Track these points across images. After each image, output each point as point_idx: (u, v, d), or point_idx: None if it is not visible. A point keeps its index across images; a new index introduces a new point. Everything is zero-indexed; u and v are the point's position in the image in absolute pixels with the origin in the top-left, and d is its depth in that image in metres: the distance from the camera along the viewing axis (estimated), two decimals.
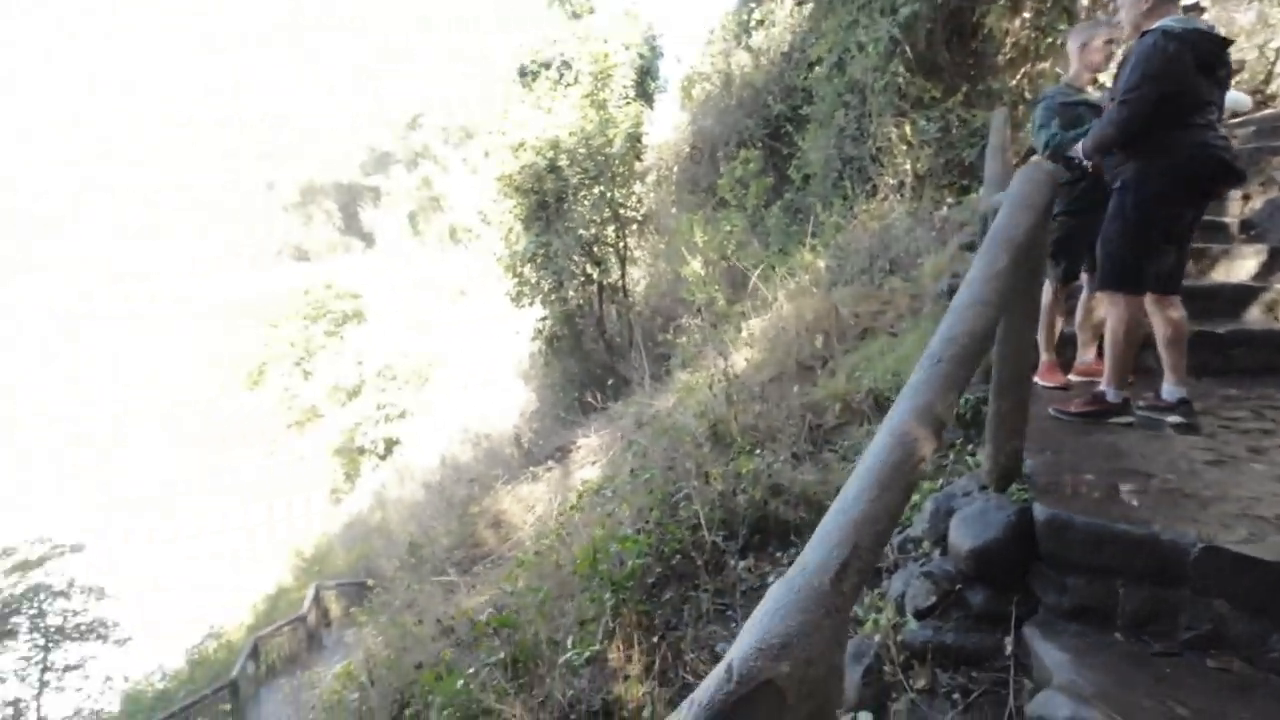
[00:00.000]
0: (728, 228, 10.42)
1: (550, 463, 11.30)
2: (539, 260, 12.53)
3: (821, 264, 8.79)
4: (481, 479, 13.67)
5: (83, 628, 18.44)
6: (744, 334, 7.56)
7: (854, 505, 1.15)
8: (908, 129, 9.07)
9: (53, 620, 18.05)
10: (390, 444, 28.33)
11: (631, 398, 10.72)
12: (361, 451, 30.45)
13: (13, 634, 17.66)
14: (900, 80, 8.92)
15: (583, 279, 13.30)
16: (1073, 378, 3.86)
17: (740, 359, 6.73)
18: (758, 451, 4.18)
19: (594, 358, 13.30)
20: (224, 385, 44.71)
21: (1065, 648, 1.85)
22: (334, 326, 34.33)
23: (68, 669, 18.05)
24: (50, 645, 17.89)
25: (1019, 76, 9.32)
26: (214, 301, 55.68)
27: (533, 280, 12.70)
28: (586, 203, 13.04)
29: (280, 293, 42.49)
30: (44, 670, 17.64)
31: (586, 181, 12.78)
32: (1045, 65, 9.13)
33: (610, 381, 11.76)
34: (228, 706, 10.95)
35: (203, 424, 49.02)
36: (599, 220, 13.23)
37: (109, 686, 18.18)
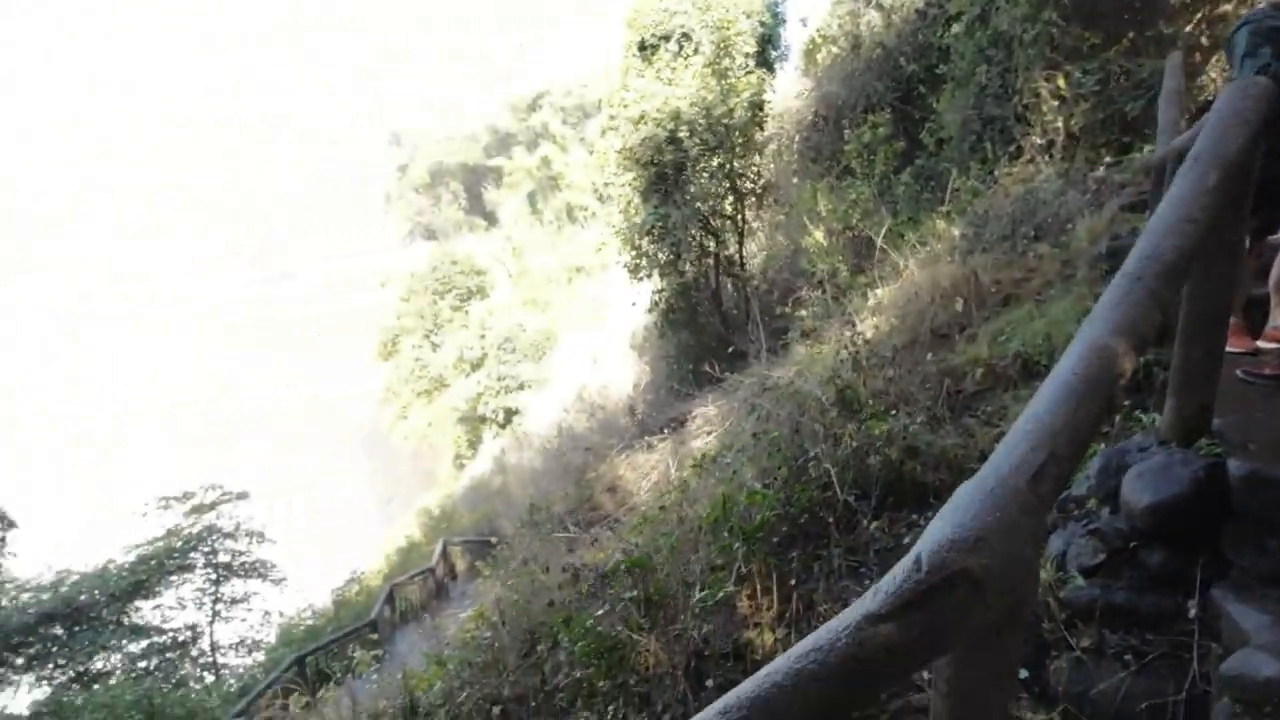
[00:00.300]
0: (853, 196, 10.03)
1: (664, 433, 11.44)
2: (656, 233, 12.60)
3: (955, 231, 8.29)
4: (596, 448, 14.04)
5: (246, 566, 20.67)
6: (871, 302, 7.28)
7: (1049, 414, 1.10)
8: (1060, 82, 8.34)
9: (222, 558, 20.34)
10: (509, 414, 29.61)
11: (747, 370, 10.63)
12: (483, 420, 32.06)
13: (191, 568, 20.08)
14: (1054, 30, 8.20)
15: (699, 251, 13.26)
16: (1261, 344, 3.45)
17: (868, 327, 6.50)
18: (893, 413, 4.04)
19: (709, 331, 13.27)
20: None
21: (1267, 611, 1.68)
22: (459, 301, 36.16)
23: (233, 602, 20.35)
24: (220, 580, 20.21)
25: (1196, 20, 8.33)
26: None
27: (650, 253, 12.80)
28: (705, 174, 12.95)
29: (412, 268, 45.27)
30: (215, 602, 19.99)
31: (705, 153, 12.67)
32: (1229, 7, 8.11)
33: (725, 355, 11.71)
34: (375, 636, 11.97)
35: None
36: (717, 192, 13.11)
37: (267, 620, 20.35)
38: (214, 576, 20.05)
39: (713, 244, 13.30)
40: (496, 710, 3.57)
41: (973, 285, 6.10)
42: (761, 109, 12.56)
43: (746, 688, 0.96)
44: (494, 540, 13.98)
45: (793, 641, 2.73)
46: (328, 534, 51.81)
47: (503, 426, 30.08)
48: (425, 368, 34.46)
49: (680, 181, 12.62)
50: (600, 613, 3.60)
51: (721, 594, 2.85)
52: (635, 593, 3.14)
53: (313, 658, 11.88)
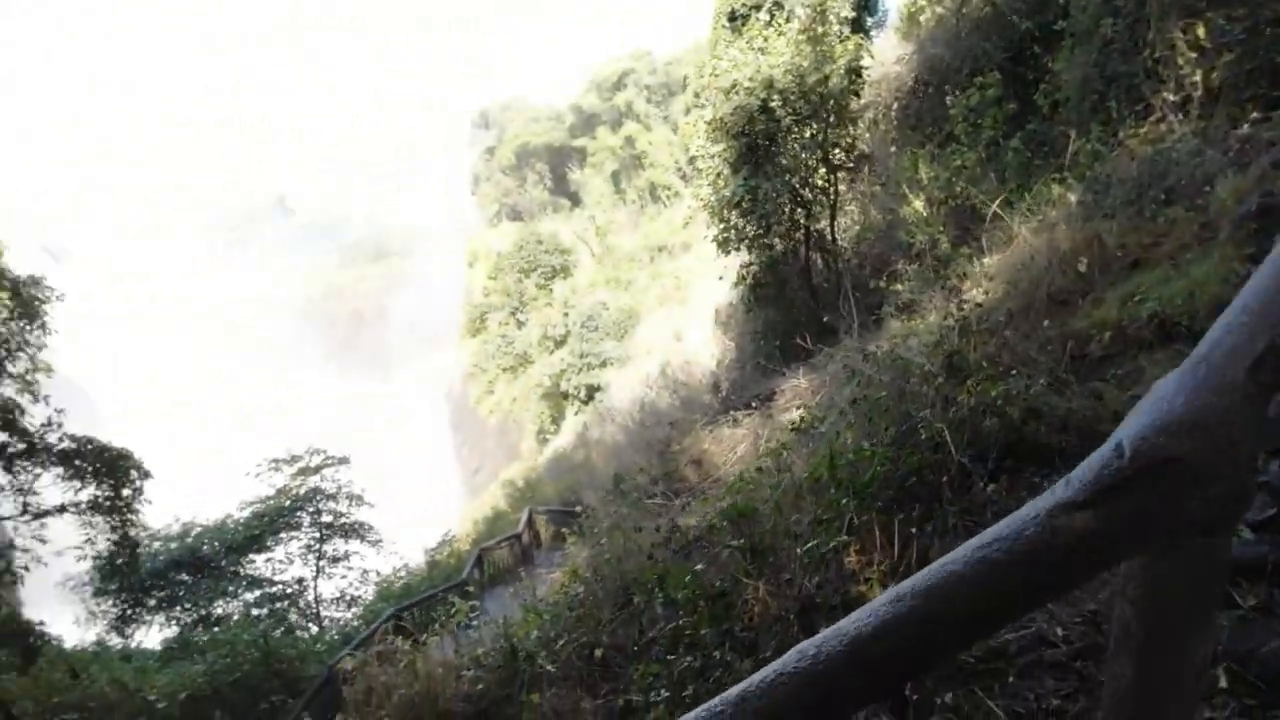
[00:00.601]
0: (958, 162, 9.53)
1: (751, 408, 11.31)
2: (745, 205, 12.38)
3: (1072, 197, 7.75)
4: (679, 422, 14.06)
5: (347, 527, 21.97)
6: (978, 270, 6.93)
7: (1264, 304, 0.99)
8: (1200, 32, 7.61)
9: (325, 519, 21.68)
10: (591, 390, 30.06)
11: (838, 346, 10.36)
12: (565, 396, 32.70)
13: (298, 526, 21.52)
14: None
15: (789, 224, 12.95)
16: None
17: (976, 294, 6.19)
18: (1012, 374, 3.83)
19: (797, 306, 12.98)
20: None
21: None
22: (544, 279, 36.86)
23: (335, 560, 21.70)
24: (323, 538, 21.57)
25: None
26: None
27: (739, 226, 12.61)
28: (797, 145, 12.61)
29: (499, 248, 46.47)
30: (319, 559, 21.37)
31: (798, 122, 12.32)
32: None
33: (815, 330, 11.44)
34: (473, 589, 12.49)
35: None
36: (809, 163, 12.75)
37: (365, 578, 21.60)
38: (318, 535, 21.41)
39: (803, 217, 12.96)
40: (597, 654, 3.65)
41: (1095, 250, 5.70)
42: (859, 75, 12.07)
43: (921, 576, 0.92)
44: (578, 509, 14.30)
45: None
46: (420, 501, 54.37)
47: (585, 402, 30.59)
48: (511, 344, 35.41)
49: (771, 153, 12.34)
50: (699, 566, 3.62)
51: (834, 543, 2.80)
52: (741, 542, 3.13)
53: (409, 613, 12.51)
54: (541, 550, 17.16)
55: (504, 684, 4.39)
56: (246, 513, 20.97)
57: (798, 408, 9.20)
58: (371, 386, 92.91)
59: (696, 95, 46.26)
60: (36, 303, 10.56)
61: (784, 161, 12.39)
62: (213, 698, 9.49)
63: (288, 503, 21.11)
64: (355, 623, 16.90)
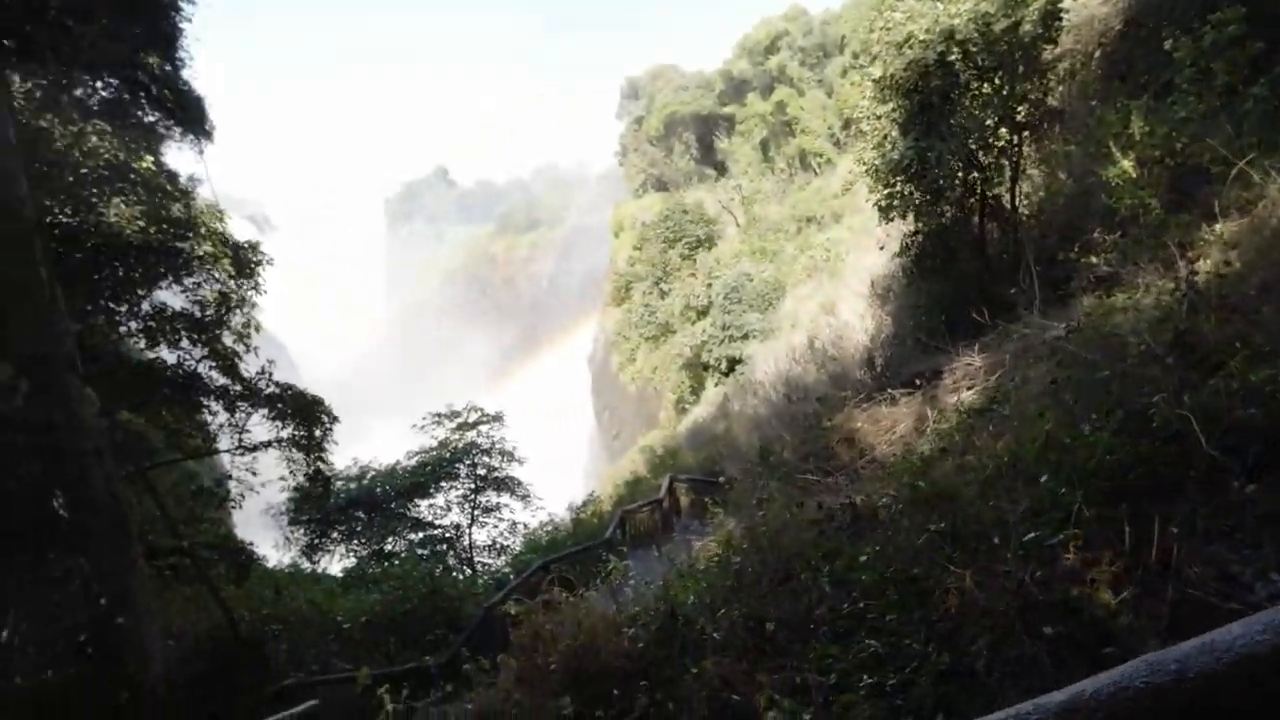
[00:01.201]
0: (1181, 115, 8.25)
1: (916, 386, 10.65)
2: (914, 169, 11.51)
3: None
4: (827, 399, 13.55)
5: (499, 481, 23.42)
6: (1209, 238, 5.97)
7: None
8: None
9: (480, 471, 23.21)
10: (733, 362, 29.78)
11: (1018, 322, 9.44)
12: (706, 367, 32.67)
13: (456, 476, 23.20)
14: None
15: (963, 190, 11.92)
16: None
17: (1205, 265, 5.34)
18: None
19: (968, 279, 11.96)
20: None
21: None
22: (688, 250, 36.78)
23: (487, 510, 23.21)
24: (478, 490, 23.13)
25: None
26: None
27: (905, 192, 11.76)
28: (976, 102, 11.51)
29: (644, 218, 46.92)
30: (474, 508, 22.97)
31: (979, 77, 11.23)
32: None
33: (988, 305, 10.50)
34: (625, 547, 12.88)
35: None
36: (989, 122, 11.61)
37: (513, 529, 22.97)
38: (473, 486, 22.98)
39: (979, 182, 11.86)
40: (769, 627, 3.56)
41: None
42: (1056, 20, 10.75)
43: None
44: (721, 480, 14.28)
45: (1145, 604, 2.31)
46: (560, 461, 56.87)
47: (725, 374, 30.40)
48: (653, 314, 35.79)
49: (946, 112, 11.35)
50: (876, 547, 3.40)
51: (1060, 536, 2.49)
52: (941, 525, 2.89)
53: (556, 565, 13.13)
54: (681, 517, 17.37)
55: (662, 645, 4.41)
56: (413, 461, 22.90)
57: (969, 388, 8.51)
58: (519, 349, 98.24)
59: (855, 56, 43.71)
60: (251, 265, 11.93)
61: (960, 121, 11.36)
62: (386, 624, 10.50)
63: (448, 454, 22.79)
64: (505, 570, 18.00)
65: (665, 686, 4.03)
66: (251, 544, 14.61)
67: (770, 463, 11.41)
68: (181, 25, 11.58)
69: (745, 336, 29.59)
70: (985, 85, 11.38)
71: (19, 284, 7.25)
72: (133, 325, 11.35)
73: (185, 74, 11.92)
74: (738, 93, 51.76)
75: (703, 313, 32.75)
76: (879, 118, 12.22)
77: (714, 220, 38.91)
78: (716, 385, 31.15)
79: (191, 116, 12.00)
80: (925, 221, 12.01)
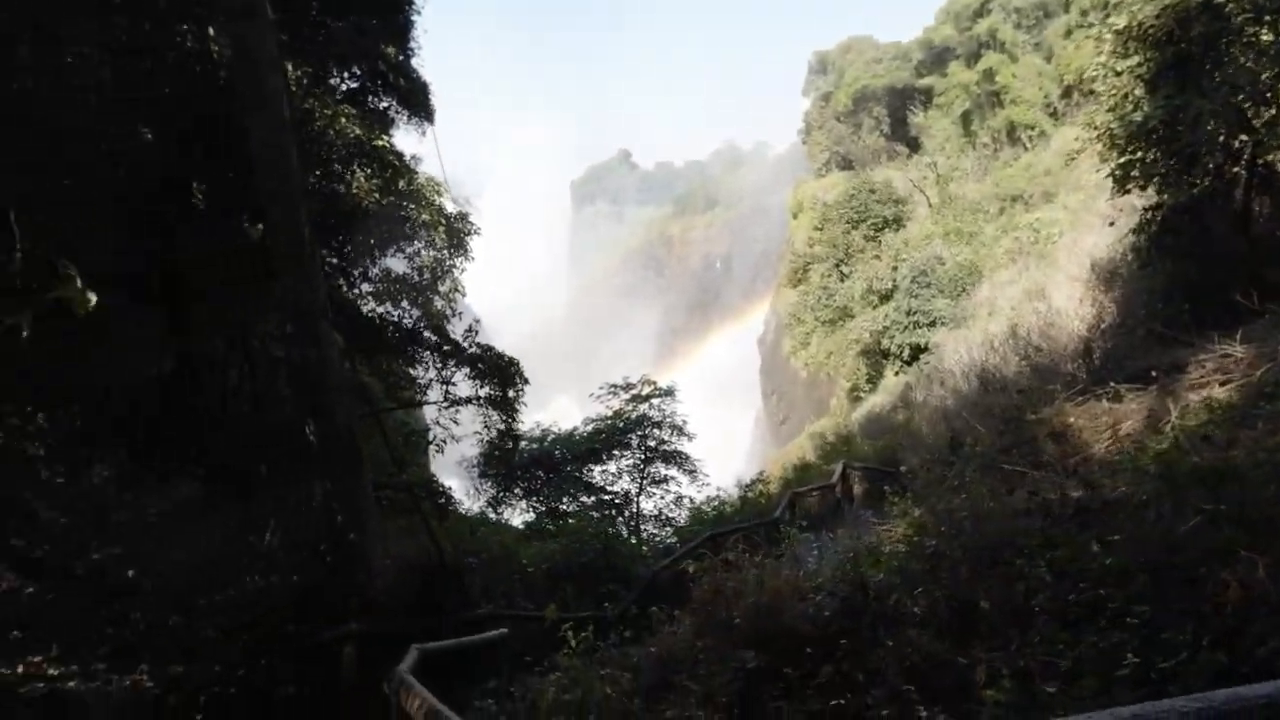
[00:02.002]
0: None
1: (1139, 382, 9.36)
2: (1160, 133, 9.99)
3: None
4: (1031, 392, 12.36)
5: (667, 453, 23.98)
6: None
7: None
8: None
9: (650, 443, 23.90)
10: (916, 350, 28.01)
11: None
12: (885, 355, 31.00)
13: (628, 446, 24.09)
14: None
15: (1224, 156, 10.16)
16: None
17: None
18: None
19: (1225, 259, 10.21)
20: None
21: None
22: (873, 231, 34.96)
23: (654, 482, 23.89)
24: (647, 461, 23.85)
25: None
26: None
27: (1148, 159, 10.25)
28: (1251, 52, 9.72)
29: (826, 198, 45.20)
30: (642, 479, 23.74)
31: (1257, 20, 9.46)
32: None
33: (1248, 289, 8.91)
34: (794, 529, 12.69)
35: None
36: (1267, 75, 9.76)
37: (679, 503, 23.43)
38: (643, 457, 23.75)
39: (1248, 146, 10.05)
40: (984, 605, 3.33)
41: None
42: None
43: None
44: (904, 469, 13.55)
45: None
46: (725, 440, 57.01)
47: (906, 363, 28.67)
48: (832, 297, 34.48)
49: (1209, 64, 9.71)
50: (1109, 538, 3.03)
51: None
52: (1220, 506, 2.51)
53: (722, 538, 13.19)
54: (853, 505, 16.74)
55: (850, 616, 4.30)
56: (589, 428, 24.08)
57: (1223, 383, 7.30)
58: (689, 329, 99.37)
59: (1085, 13, 38.63)
60: (461, 235, 13.11)
61: (1227, 75, 9.66)
62: (563, 573, 11.18)
63: (621, 424, 23.70)
64: (670, 539, 18.38)
65: (853, 657, 3.93)
66: (449, 488, 16.20)
67: (963, 454, 10.62)
68: (413, 18, 12.88)
69: (932, 323, 27.64)
70: (1265, 31, 9.58)
71: (289, 242, 8.53)
72: (364, 288, 12.97)
73: (414, 62, 13.26)
74: (938, 62, 47.94)
75: (885, 297, 31.01)
76: (1118, 74, 10.73)
77: (903, 200, 36.55)
78: (896, 374, 29.49)
79: (418, 101, 13.32)
80: (1171, 193, 10.40)
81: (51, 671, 6.29)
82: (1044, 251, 22.65)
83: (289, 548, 8.24)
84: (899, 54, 52.89)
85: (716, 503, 20.42)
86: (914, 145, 48.30)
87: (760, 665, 3.96)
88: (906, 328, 28.61)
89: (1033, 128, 38.51)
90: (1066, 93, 38.07)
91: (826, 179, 53.92)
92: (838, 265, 35.22)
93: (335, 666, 7.53)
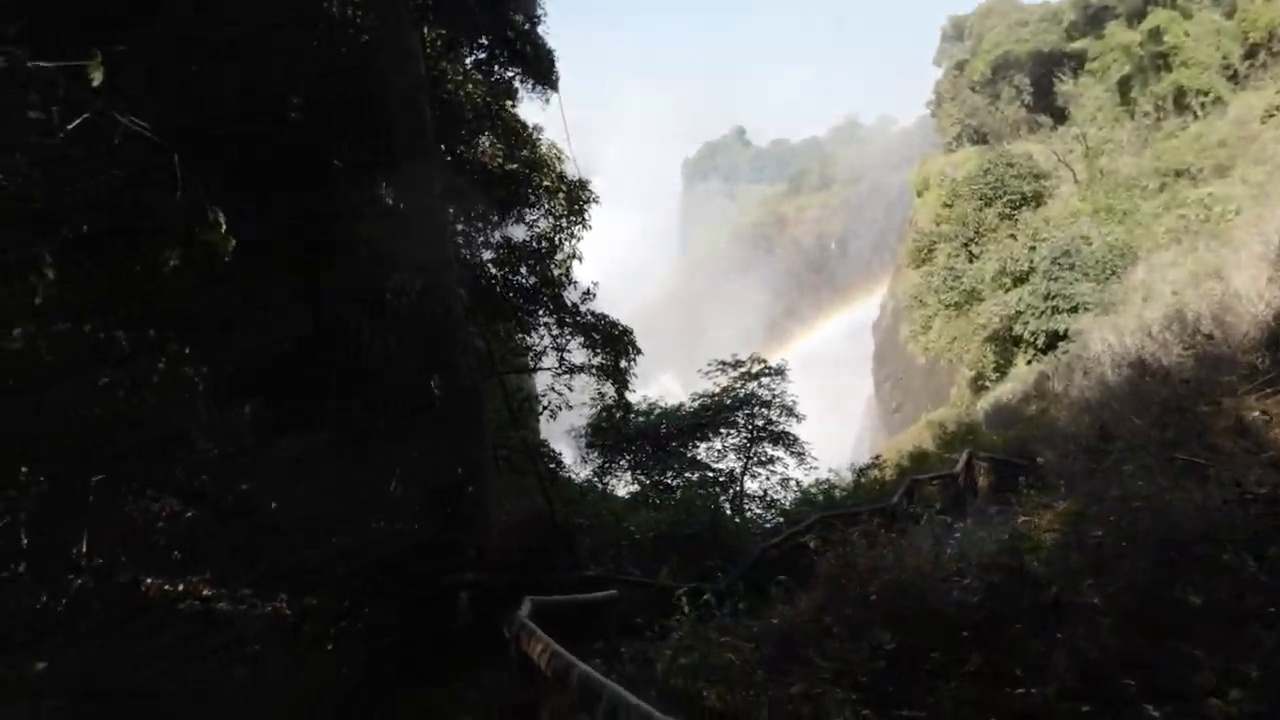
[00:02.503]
0: None
1: None
2: None
3: None
4: (1197, 383, 11.05)
5: (775, 434, 23.42)
6: None
7: None
8: None
9: (759, 422, 23.41)
10: (1053, 337, 25.84)
11: None
12: (1016, 342, 28.83)
13: (734, 425, 23.72)
14: None
15: None
16: None
17: None
18: None
19: None
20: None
21: None
22: (1009, 208, 32.43)
23: (760, 463, 23.41)
24: (754, 439, 23.40)
25: None
26: None
27: None
28: None
29: (955, 174, 42.34)
30: (748, 459, 23.32)
31: None
32: None
33: None
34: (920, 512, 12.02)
35: None
36: None
37: (785, 485, 22.88)
38: (749, 436, 23.31)
39: None
40: (1195, 601, 2.87)
41: None
42: None
43: None
44: (1039, 461, 12.47)
45: None
46: (837, 428, 55.25)
47: (1042, 351, 26.53)
48: (959, 279, 32.31)
49: None
50: None
51: None
52: None
53: (835, 520, 12.68)
54: (978, 498, 15.64)
55: (1003, 603, 3.87)
56: (696, 404, 23.89)
57: None
58: (799, 311, 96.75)
59: None
60: (580, 203, 13.12)
61: None
62: (670, 545, 11.11)
63: (729, 401, 23.34)
64: (777, 520, 17.94)
65: (1008, 647, 3.53)
66: (560, 453, 16.50)
67: (1117, 447, 9.58)
68: None
69: (1074, 309, 25.34)
70: None
71: (419, 205, 8.81)
72: (485, 255, 13.28)
73: (540, 30, 13.31)
74: (1093, 23, 43.45)
75: (1020, 280, 28.71)
76: None
77: (1044, 175, 33.60)
78: (1029, 362, 27.39)
79: (543, 70, 13.37)
80: None
81: (206, 593, 6.85)
82: (1217, 230, 20.15)
83: (411, 497, 8.59)
84: (1047, 15, 48.40)
85: (825, 486, 19.76)
86: (1059, 116, 44.29)
87: (900, 646, 3.64)
88: (1043, 313, 26.42)
89: (1206, 93, 34.22)
90: (1251, 53, 33.56)
91: (956, 154, 50.46)
92: (967, 245, 32.94)
93: (450, 611, 7.80)
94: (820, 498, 18.48)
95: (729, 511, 21.41)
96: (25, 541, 5.05)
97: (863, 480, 19.09)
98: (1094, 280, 25.63)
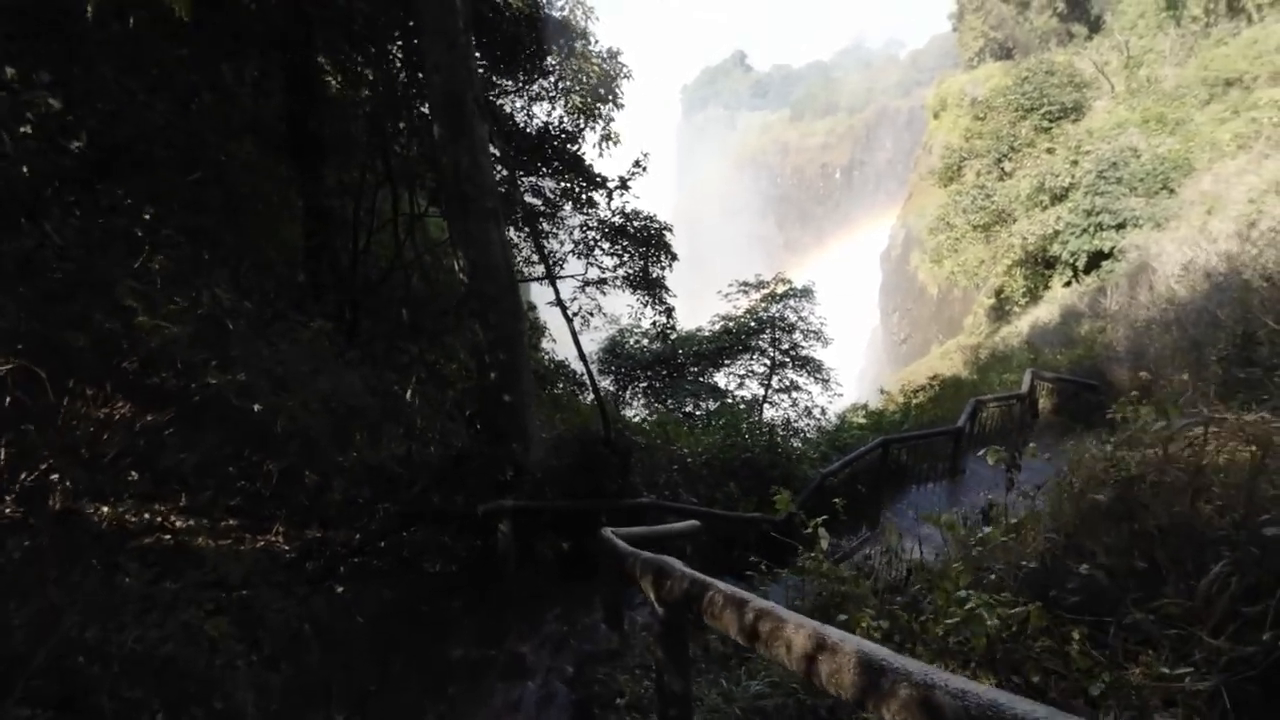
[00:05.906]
0: None
1: None
2: None
3: None
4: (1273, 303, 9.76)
5: (800, 359, 21.98)
6: None
7: None
8: None
9: (784, 346, 21.92)
10: (1096, 256, 24.20)
11: None
12: (1051, 264, 27.18)
13: (756, 349, 22.23)
14: None
15: None
16: None
17: None
18: None
19: None
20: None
21: None
22: (1047, 121, 30.22)
23: (779, 390, 22.05)
24: (776, 365, 21.97)
25: None
26: None
27: None
28: None
29: (976, 92, 39.79)
30: (766, 388, 21.94)
31: None
32: None
33: None
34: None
35: None
36: None
37: (809, 413, 21.58)
38: (771, 361, 21.86)
39: None
40: None
41: None
42: None
43: None
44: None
45: None
46: (841, 361, 53.90)
47: (1083, 271, 24.92)
48: (990, 198, 30.31)
49: None
50: None
51: None
52: None
53: (896, 446, 11.35)
54: (1037, 421, 14.35)
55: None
56: (717, 327, 22.32)
57: None
58: (804, 242, 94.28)
59: None
60: (611, 76, 11.16)
61: None
62: (727, 470, 9.74)
63: (753, 324, 21.78)
64: (819, 447, 16.64)
65: None
66: (581, 374, 14.93)
67: (1260, 355, 8.14)
68: None
69: (1120, 225, 23.59)
70: None
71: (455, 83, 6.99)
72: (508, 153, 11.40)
73: None
74: None
75: (1059, 197, 26.79)
76: None
77: (1087, 83, 31.26)
78: (1067, 284, 25.78)
79: None
80: None
81: (178, 524, 5.36)
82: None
83: (437, 403, 7.09)
84: None
85: (872, 412, 18.44)
86: (1095, 27, 41.42)
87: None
88: (1085, 230, 24.65)
89: None
90: None
91: (979, 70, 47.50)
92: (1000, 161, 30.83)
93: (489, 541, 6.41)
94: (858, 425, 17.16)
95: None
96: None
97: (912, 404, 17.72)
98: (1143, 194, 23.79)
